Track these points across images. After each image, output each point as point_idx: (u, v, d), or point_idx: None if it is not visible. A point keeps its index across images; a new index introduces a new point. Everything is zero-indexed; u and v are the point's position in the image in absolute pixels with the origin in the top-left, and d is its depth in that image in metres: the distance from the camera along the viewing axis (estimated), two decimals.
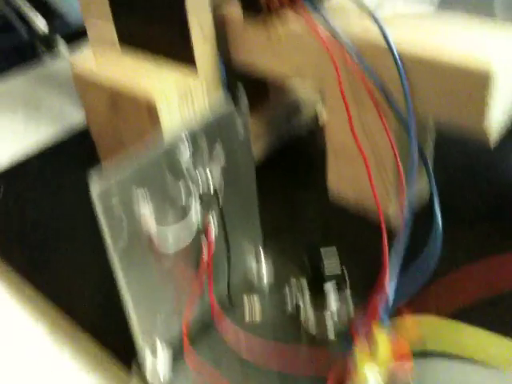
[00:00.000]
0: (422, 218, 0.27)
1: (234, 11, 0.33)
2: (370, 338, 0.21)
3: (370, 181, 0.29)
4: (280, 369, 0.24)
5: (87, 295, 0.30)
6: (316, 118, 0.41)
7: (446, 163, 0.35)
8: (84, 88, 0.35)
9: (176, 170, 0.23)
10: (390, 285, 0.24)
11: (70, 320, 0.29)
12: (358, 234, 0.31)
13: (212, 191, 0.24)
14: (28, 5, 0.79)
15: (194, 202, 0.24)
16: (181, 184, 0.23)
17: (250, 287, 0.28)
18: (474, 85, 0.25)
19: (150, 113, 0.31)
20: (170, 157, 0.22)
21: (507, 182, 0.35)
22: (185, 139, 0.23)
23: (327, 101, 0.32)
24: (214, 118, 0.24)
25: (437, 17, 0.30)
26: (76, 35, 1.04)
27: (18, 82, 0.60)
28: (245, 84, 0.35)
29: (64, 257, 0.33)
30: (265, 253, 0.29)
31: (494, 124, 0.26)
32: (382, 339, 0.20)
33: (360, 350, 0.21)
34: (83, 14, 0.38)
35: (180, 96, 0.31)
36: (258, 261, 0.29)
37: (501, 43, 0.26)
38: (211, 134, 0.24)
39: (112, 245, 0.21)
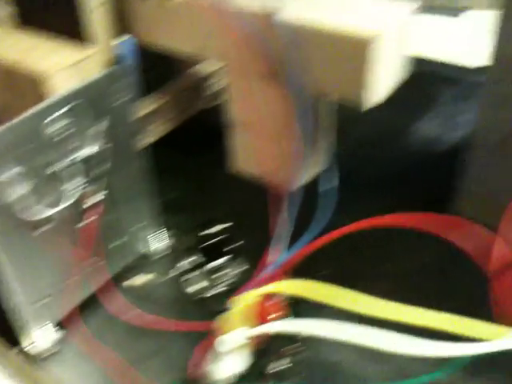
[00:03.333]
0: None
1: None
2: (243, 298, 0.21)
3: (260, 159, 0.29)
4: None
5: None
6: (220, 93, 0.41)
7: (349, 134, 0.36)
8: None
9: (45, 136, 0.22)
10: (276, 252, 0.24)
11: None
12: (257, 205, 0.31)
13: (92, 159, 0.24)
14: None
15: (66, 170, 0.23)
16: (51, 151, 0.22)
17: (146, 260, 0.28)
18: (355, 52, 0.25)
19: (42, 88, 0.30)
20: (36, 122, 0.22)
21: (406, 152, 0.36)
22: (57, 104, 0.22)
23: (229, 76, 0.32)
24: (91, 80, 0.23)
25: None
26: None
27: None
28: (153, 60, 0.35)
29: None
30: (163, 228, 0.29)
31: (373, 91, 0.27)
32: (247, 300, 0.20)
33: (232, 309, 0.21)
34: None
35: (71, 71, 0.31)
36: (153, 236, 0.28)
37: (384, 15, 0.27)
38: (88, 97, 0.23)
39: None
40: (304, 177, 0.30)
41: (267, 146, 0.30)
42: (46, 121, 0.22)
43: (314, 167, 0.32)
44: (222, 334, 0.21)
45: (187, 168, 0.36)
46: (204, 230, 0.29)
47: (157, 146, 0.34)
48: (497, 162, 0.28)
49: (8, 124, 0.21)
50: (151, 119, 0.37)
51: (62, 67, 0.30)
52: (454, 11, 0.60)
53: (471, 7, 0.61)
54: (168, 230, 0.29)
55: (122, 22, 0.33)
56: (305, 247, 0.22)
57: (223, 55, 0.31)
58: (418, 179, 0.34)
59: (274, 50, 0.28)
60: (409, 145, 0.37)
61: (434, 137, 0.38)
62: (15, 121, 0.21)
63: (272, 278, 0.23)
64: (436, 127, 0.38)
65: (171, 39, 0.33)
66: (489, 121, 0.27)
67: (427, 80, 0.43)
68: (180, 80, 0.38)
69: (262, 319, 0.21)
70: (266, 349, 0.22)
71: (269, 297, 0.21)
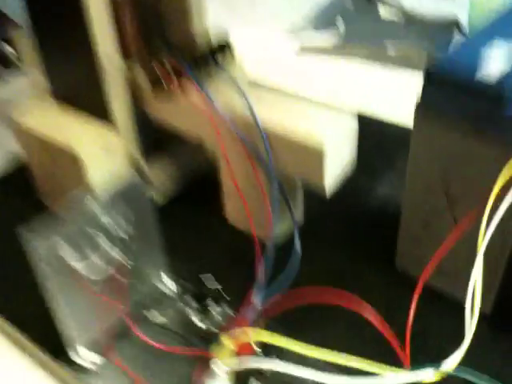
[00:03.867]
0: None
1: (144, 82, 0.41)
2: (229, 337, 0.31)
3: (247, 213, 0.39)
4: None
5: (31, 309, 0.39)
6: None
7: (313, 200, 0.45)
8: (23, 138, 0.43)
9: (93, 221, 0.32)
10: (255, 299, 0.34)
11: (16, 328, 0.38)
12: (245, 253, 0.41)
13: (122, 236, 0.33)
14: None
15: (108, 244, 0.33)
16: (97, 232, 0.32)
17: (159, 300, 0.38)
18: (312, 156, 0.35)
19: (76, 162, 0.39)
20: (88, 213, 0.31)
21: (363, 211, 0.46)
22: (99, 200, 0.32)
23: (219, 155, 0.41)
24: (122, 185, 0.33)
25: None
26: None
27: None
28: (157, 132, 0.45)
29: (13, 279, 0.41)
30: (170, 273, 0.39)
31: (330, 180, 0.36)
32: (229, 340, 0.30)
33: (220, 345, 0.31)
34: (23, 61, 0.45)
35: (101, 147, 0.40)
36: (163, 281, 0.38)
37: (332, 123, 0.36)
38: (120, 196, 0.33)
39: (45, 278, 0.30)
40: (277, 232, 0.40)
41: (248, 207, 0.40)
42: (99, 212, 0.31)
43: (285, 224, 0.42)
44: (216, 360, 0.31)
45: (187, 217, 0.45)
46: (201, 274, 0.38)
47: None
48: (423, 234, 0.37)
49: (70, 215, 0.30)
50: (163, 182, 0.46)
51: (92, 144, 0.40)
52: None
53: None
54: (173, 274, 0.39)
55: (139, 101, 0.43)
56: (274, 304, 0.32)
57: (214, 142, 0.40)
58: (373, 236, 0.43)
59: (253, 144, 0.38)
60: (368, 203, 0.47)
61: (391, 197, 0.47)
62: (74, 212, 0.31)
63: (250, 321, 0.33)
64: (393, 189, 0.48)
65: (177, 123, 0.42)
66: (413, 203, 0.37)
67: (389, 142, 0.53)
68: (182, 149, 0.48)
69: (243, 353, 0.30)
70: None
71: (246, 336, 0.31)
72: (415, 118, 0.33)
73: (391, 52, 0.72)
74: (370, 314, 0.28)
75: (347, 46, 0.74)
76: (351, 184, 0.40)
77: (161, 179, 0.46)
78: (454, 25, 0.77)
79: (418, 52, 0.71)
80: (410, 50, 0.72)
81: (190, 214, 0.46)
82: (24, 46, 0.46)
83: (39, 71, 0.43)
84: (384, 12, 0.84)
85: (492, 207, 0.28)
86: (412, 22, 0.81)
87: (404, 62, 0.70)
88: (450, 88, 0.31)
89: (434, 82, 0.31)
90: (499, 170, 0.29)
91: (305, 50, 0.73)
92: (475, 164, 0.31)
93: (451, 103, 0.31)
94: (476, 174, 0.31)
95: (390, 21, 0.82)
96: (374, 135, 0.53)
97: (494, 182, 0.28)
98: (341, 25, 0.79)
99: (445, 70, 0.31)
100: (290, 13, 0.81)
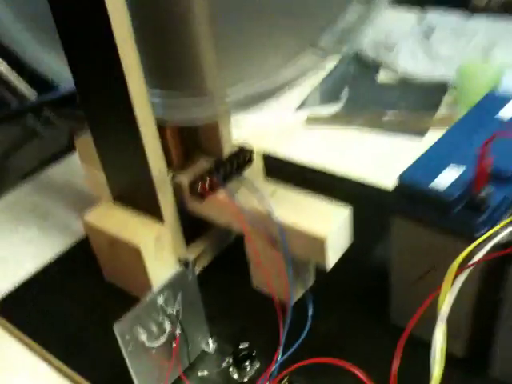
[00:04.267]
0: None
1: (185, 187, 0.53)
2: None
3: (268, 283, 0.50)
4: None
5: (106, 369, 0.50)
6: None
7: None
8: (92, 232, 0.55)
9: (156, 306, 0.43)
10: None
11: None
12: (268, 312, 0.51)
13: (175, 313, 0.45)
14: (14, 74, 0.93)
15: (166, 320, 0.44)
16: (159, 314, 0.43)
17: (203, 357, 0.49)
18: (316, 244, 0.46)
19: (136, 253, 0.51)
20: (154, 303, 0.43)
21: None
22: (160, 291, 0.43)
23: (246, 239, 0.52)
24: (174, 275, 0.44)
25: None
26: (65, 100, 1.20)
27: (24, 192, 0.78)
28: (194, 221, 0.56)
29: (92, 344, 0.53)
30: (211, 336, 0.50)
31: (330, 261, 0.47)
32: None
33: None
34: (83, 163, 0.59)
35: (154, 239, 0.52)
36: (207, 343, 0.49)
37: (334, 218, 0.47)
38: (172, 285, 0.44)
39: (124, 350, 0.41)
40: (294, 295, 0.50)
41: (270, 276, 0.51)
42: (158, 297, 0.43)
43: (301, 289, 0.52)
44: None
45: (219, 282, 0.56)
46: (235, 337, 0.49)
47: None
48: (411, 291, 0.47)
49: (142, 306, 0.42)
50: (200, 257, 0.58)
51: (148, 237, 0.51)
52: (418, 131, 0.79)
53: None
54: (212, 336, 0.50)
55: (181, 200, 0.54)
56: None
57: (239, 228, 0.51)
58: (372, 293, 0.53)
59: (272, 233, 0.49)
60: (367, 265, 0.57)
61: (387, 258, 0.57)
62: (145, 304, 0.42)
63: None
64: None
65: (209, 215, 0.54)
66: (397, 274, 0.47)
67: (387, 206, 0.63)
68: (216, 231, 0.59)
69: None
70: None
71: None
72: (390, 219, 0.43)
73: (389, 118, 0.83)
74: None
75: (349, 115, 0.85)
76: (352, 248, 0.50)
77: (198, 255, 0.58)
78: (446, 86, 0.88)
79: (414, 118, 0.82)
80: (406, 116, 0.83)
81: (222, 280, 0.57)
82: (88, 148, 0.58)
83: (100, 175, 0.55)
84: (383, 76, 0.96)
85: (452, 281, 0.38)
86: (408, 85, 0.92)
87: (400, 128, 0.81)
88: (415, 195, 0.41)
89: (401, 191, 0.42)
90: (456, 253, 0.39)
91: (311, 120, 0.85)
92: (437, 250, 0.42)
93: (416, 206, 0.41)
94: (439, 257, 0.42)
95: (389, 85, 0.93)
96: (372, 200, 0.63)
97: (453, 260, 0.38)
98: (345, 95, 0.90)
99: (408, 181, 0.42)
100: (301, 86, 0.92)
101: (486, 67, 0.81)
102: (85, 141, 0.58)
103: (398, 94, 0.90)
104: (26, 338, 0.55)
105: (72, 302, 0.58)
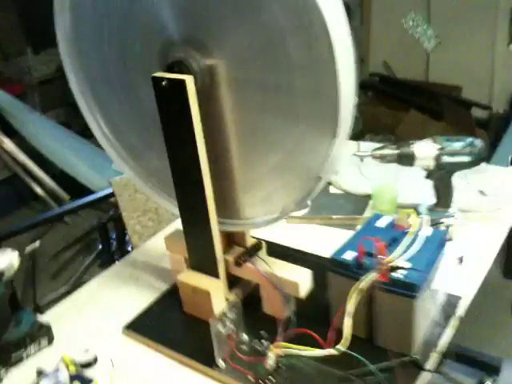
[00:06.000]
0: None
1: (232, 264, 1.08)
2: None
3: (272, 308, 1.04)
4: None
5: None
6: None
7: None
8: (182, 284, 1.08)
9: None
10: None
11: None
12: (272, 322, 1.04)
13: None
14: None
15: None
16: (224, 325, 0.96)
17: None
18: (295, 286, 1.01)
19: (208, 295, 1.04)
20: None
21: None
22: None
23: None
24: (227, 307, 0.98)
25: None
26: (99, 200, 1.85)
27: (95, 285, 1.30)
28: (234, 278, 1.11)
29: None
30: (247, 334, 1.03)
31: (302, 293, 1.01)
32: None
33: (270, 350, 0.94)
34: (168, 250, 1.15)
35: (216, 288, 1.05)
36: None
37: (303, 274, 1.02)
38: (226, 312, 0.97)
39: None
40: (285, 313, 1.04)
41: (273, 304, 1.05)
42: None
43: (288, 310, 1.06)
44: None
45: (246, 310, 1.10)
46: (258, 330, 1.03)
47: None
48: (338, 308, 1.01)
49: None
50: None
51: (218, 288, 1.05)
52: (352, 226, 1.37)
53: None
54: (249, 334, 1.03)
55: (227, 268, 1.09)
56: None
57: (258, 281, 1.06)
58: (322, 311, 1.07)
59: (274, 282, 1.03)
60: (319, 296, 1.11)
61: None
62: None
63: None
64: None
65: (243, 275, 1.08)
66: (334, 297, 1.01)
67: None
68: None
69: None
70: None
71: None
72: (328, 274, 0.99)
73: (336, 219, 1.39)
74: None
75: (312, 216, 1.41)
76: (312, 288, 1.04)
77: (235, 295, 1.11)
78: (369, 197, 1.46)
79: (349, 218, 1.39)
80: (345, 217, 1.40)
81: (245, 307, 1.09)
82: (173, 242, 1.13)
83: (179, 258, 1.10)
84: (333, 189, 1.54)
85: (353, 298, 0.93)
86: (347, 195, 1.50)
87: (342, 225, 1.37)
88: (337, 262, 0.97)
89: (332, 260, 0.98)
90: (352, 287, 0.94)
91: (289, 220, 1.41)
92: (346, 286, 0.96)
93: (338, 267, 0.97)
94: (347, 290, 0.96)
95: (336, 195, 1.51)
96: (321, 264, 1.18)
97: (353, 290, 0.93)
98: (309, 203, 1.47)
99: (335, 255, 0.97)
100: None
101: (389, 188, 1.39)
102: (171, 238, 1.13)
103: (342, 202, 1.48)
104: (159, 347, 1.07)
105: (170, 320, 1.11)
